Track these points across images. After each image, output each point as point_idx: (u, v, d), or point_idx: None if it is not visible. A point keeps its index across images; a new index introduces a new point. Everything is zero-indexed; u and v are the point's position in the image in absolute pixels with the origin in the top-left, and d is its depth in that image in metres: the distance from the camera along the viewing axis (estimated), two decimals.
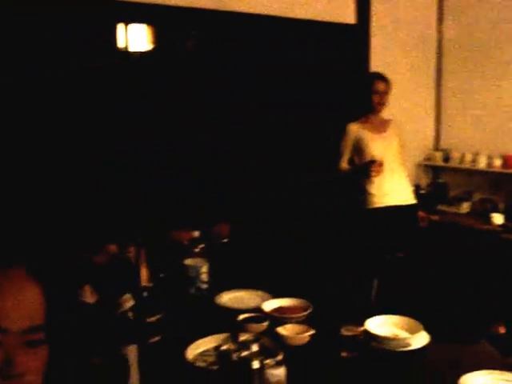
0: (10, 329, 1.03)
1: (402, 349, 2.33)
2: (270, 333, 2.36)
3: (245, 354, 1.86)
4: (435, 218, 5.14)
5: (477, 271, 4.34)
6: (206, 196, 3.95)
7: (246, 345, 1.91)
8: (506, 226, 4.86)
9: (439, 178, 5.94)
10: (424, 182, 5.89)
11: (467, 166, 5.51)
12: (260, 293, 2.85)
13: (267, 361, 1.87)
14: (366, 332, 2.37)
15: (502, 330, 3.63)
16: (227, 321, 2.48)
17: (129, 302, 2.08)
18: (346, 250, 3.94)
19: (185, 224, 3.06)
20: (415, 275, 3.90)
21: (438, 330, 2.46)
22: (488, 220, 4.99)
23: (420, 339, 2.38)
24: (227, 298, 2.81)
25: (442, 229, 5.01)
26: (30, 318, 1.07)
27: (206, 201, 3.88)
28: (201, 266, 2.79)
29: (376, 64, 5.22)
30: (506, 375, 2.12)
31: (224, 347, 1.98)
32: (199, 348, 2.28)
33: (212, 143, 4.31)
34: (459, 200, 5.58)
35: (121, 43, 4.07)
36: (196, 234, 2.93)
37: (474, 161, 5.43)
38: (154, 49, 4.17)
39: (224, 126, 4.45)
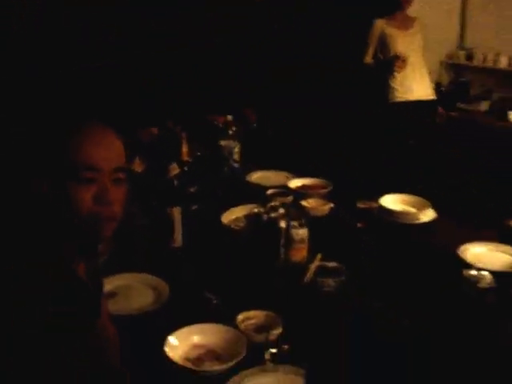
0: (103, 168, 1.33)
1: (410, 222, 2.65)
2: (295, 206, 2.68)
3: (273, 215, 2.18)
4: (454, 114, 5.33)
5: (492, 166, 4.55)
6: (238, 84, 4.17)
7: (274, 209, 2.23)
8: None
9: (461, 77, 6.04)
10: (446, 79, 6.00)
11: (489, 65, 5.62)
12: (285, 173, 3.15)
13: (292, 222, 2.19)
14: (380, 206, 2.68)
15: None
16: (256, 195, 2.79)
17: (175, 170, 2.40)
18: (368, 140, 4.20)
19: (220, 109, 3.33)
20: (431, 163, 4.18)
21: (448, 210, 2.76)
22: (505, 118, 5.18)
23: (427, 214, 2.69)
24: (256, 177, 3.12)
25: (460, 126, 5.19)
26: (117, 159, 1.37)
27: (238, 88, 4.11)
28: (233, 147, 3.09)
29: None
30: (501, 247, 2.44)
31: (255, 210, 2.31)
32: (233, 215, 2.61)
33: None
34: (479, 98, 5.72)
35: None
36: (229, 117, 3.21)
37: (495, 60, 5.54)
38: None
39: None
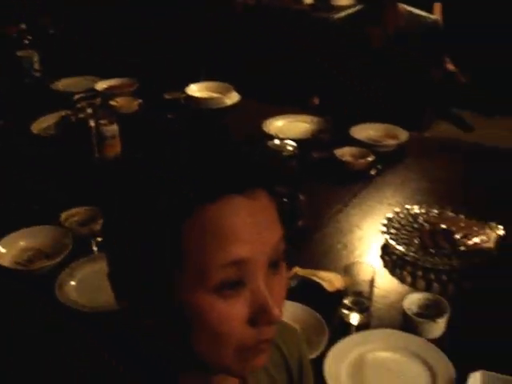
0: None
1: (216, 106, 2.79)
2: (104, 106, 2.70)
3: (81, 115, 2.22)
4: (250, 2, 5.43)
5: (289, 50, 4.76)
6: None
7: (81, 110, 2.26)
8: (315, 6, 5.30)
9: None
10: None
11: None
12: (91, 77, 3.12)
13: (102, 121, 2.24)
14: (186, 96, 2.79)
15: (317, 102, 4.06)
16: (65, 102, 2.76)
17: None
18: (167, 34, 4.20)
19: (11, 18, 3.20)
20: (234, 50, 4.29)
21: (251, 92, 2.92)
22: (300, 0, 5.40)
23: (232, 98, 2.84)
24: (62, 84, 3.04)
25: (259, 12, 5.32)
26: None
27: None
28: (32, 57, 3.01)
29: None
30: (300, 117, 2.67)
31: (62, 114, 2.32)
32: (43, 124, 2.59)
33: None
34: None
35: None
36: (23, 26, 3.10)
37: None
38: None
39: None
